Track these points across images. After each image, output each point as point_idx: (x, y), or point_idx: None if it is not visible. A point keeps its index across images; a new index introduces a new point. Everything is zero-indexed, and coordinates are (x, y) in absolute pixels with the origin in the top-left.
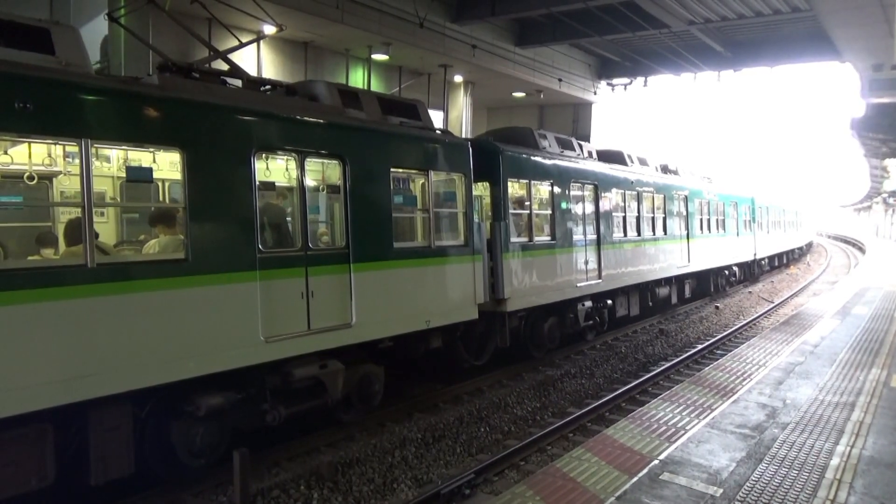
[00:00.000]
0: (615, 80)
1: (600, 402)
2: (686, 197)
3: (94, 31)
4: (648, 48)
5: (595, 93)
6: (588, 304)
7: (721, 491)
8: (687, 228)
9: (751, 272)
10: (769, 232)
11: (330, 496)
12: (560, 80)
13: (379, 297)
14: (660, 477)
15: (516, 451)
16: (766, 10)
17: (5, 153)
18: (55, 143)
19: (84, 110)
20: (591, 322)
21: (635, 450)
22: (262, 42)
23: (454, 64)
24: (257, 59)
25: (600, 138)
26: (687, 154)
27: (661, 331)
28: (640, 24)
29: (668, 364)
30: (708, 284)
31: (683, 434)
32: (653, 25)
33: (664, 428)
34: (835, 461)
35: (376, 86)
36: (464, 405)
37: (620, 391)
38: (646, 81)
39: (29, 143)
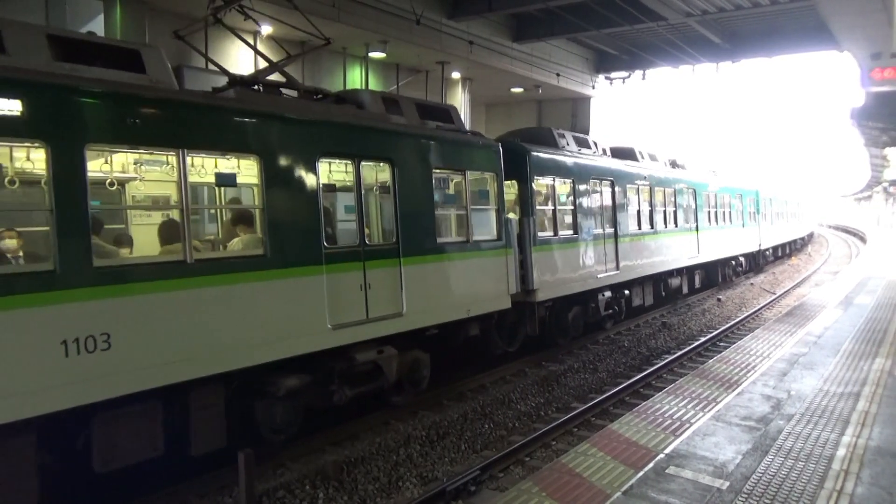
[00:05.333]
0: (613, 74)
1: (604, 396)
2: (695, 190)
3: None
4: (646, 41)
5: (593, 87)
6: (608, 294)
7: (727, 484)
8: (696, 221)
9: (756, 262)
10: (773, 223)
11: (335, 495)
12: (558, 74)
13: (425, 288)
14: (666, 471)
15: (521, 447)
16: (764, 1)
17: (136, 164)
18: (160, 153)
19: (180, 123)
20: (610, 311)
21: (640, 444)
22: (258, 42)
23: (451, 60)
24: (254, 58)
25: (599, 132)
26: (687, 146)
27: (664, 324)
28: (638, 17)
29: (671, 357)
30: (716, 275)
31: (689, 427)
32: (650, 18)
33: (669, 421)
34: (841, 452)
35: (374, 84)
36: (467, 402)
37: (624, 385)
38: (644, 75)
39: (139, 153)
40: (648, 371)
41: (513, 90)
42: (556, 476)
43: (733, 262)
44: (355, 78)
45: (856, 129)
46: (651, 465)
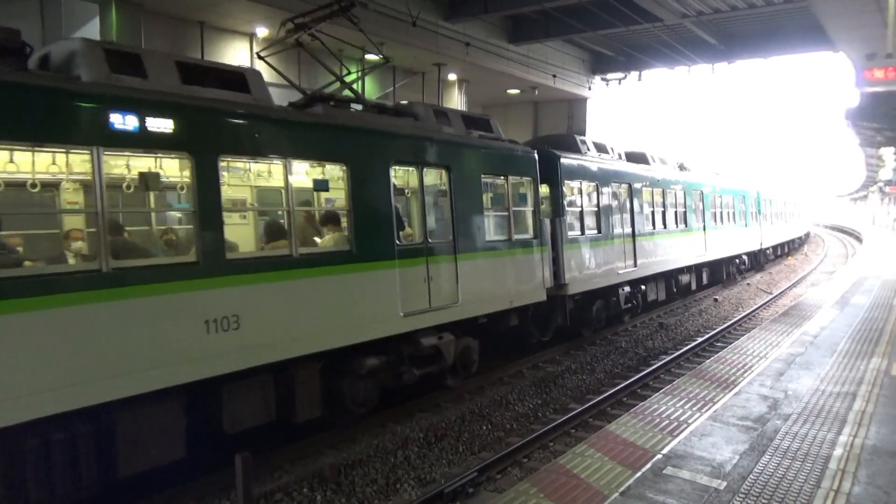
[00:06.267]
0: (609, 75)
1: (602, 397)
2: (702, 192)
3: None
4: (642, 42)
5: (589, 88)
6: (627, 289)
7: (725, 484)
8: (703, 221)
9: (757, 261)
10: (773, 223)
11: (333, 498)
12: (554, 76)
13: (476, 281)
14: (663, 471)
15: (519, 449)
16: (759, 2)
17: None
18: (271, 163)
19: (286, 137)
20: (629, 305)
21: (638, 444)
22: (255, 44)
23: (448, 62)
24: (250, 61)
25: (596, 134)
26: (684, 147)
27: (661, 324)
28: (634, 19)
29: (668, 358)
30: (721, 272)
31: (686, 428)
32: (646, 19)
33: (666, 422)
34: (838, 451)
35: (370, 86)
36: (465, 404)
37: (621, 386)
38: (640, 76)
39: (259, 163)
40: (646, 372)
41: (509, 92)
42: (553, 477)
43: (737, 261)
44: (351, 79)
45: (851, 129)
46: (648, 465)
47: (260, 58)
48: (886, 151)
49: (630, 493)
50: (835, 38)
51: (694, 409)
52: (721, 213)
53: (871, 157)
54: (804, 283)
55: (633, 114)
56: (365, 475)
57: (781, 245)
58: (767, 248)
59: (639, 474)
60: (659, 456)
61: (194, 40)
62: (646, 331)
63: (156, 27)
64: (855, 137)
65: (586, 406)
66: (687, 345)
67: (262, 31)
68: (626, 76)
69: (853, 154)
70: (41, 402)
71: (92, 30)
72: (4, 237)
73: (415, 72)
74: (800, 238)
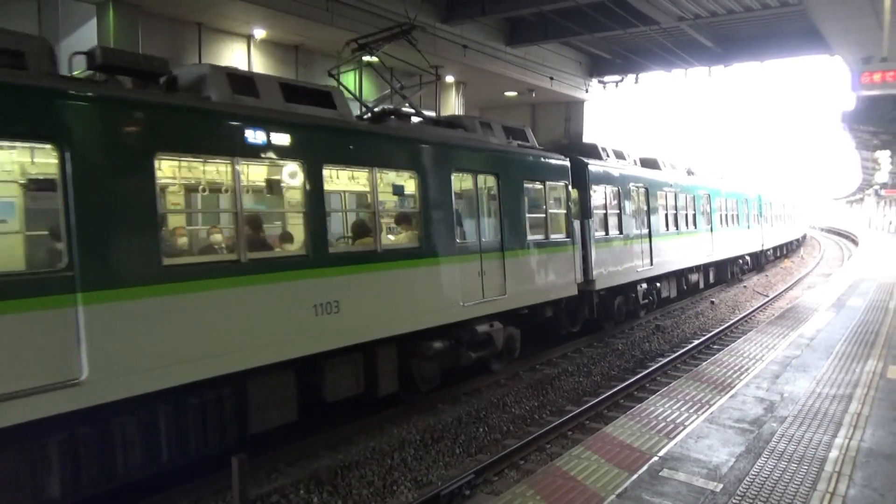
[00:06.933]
0: (606, 78)
1: (598, 399)
2: (709, 195)
3: (82, 39)
4: (639, 45)
5: (587, 91)
6: (644, 286)
7: (721, 486)
8: (711, 223)
9: (759, 261)
10: (773, 225)
11: (329, 500)
12: (551, 78)
13: (520, 276)
14: (660, 473)
15: (515, 451)
16: (756, 6)
17: (352, 178)
18: (360, 171)
19: (372, 148)
20: (646, 301)
21: (635, 447)
22: (252, 45)
23: (445, 64)
24: (248, 62)
25: (593, 136)
26: (681, 149)
27: (658, 327)
28: (631, 21)
29: (665, 360)
30: (726, 272)
31: (682, 430)
32: (643, 22)
33: (663, 424)
34: (833, 454)
35: (367, 88)
36: (462, 406)
37: (618, 388)
38: (637, 78)
39: (351, 170)
40: (642, 374)
41: (506, 94)
42: (550, 479)
43: (740, 261)
44: (349, 82)
45: (847, 132)
46: (645, 467)
47: (331, 75)
48: (882, 154)
49: (626, 496)
50: (831, 42)
51: (690, 411)
52: (726, 215)
53: (866, 160)
54: (800, 286)
55: (630, 116)
56: (361, 477)
57: (780, 246)
58: (768, 249)
59: (635, 476)
60: (655, 458)
61: (192, 42)
62: (642, 333)
63: (153, 28)
64: (851, 140)
65: (583, 408)
66: (683, 347)
67: (259, 33)
68: (622, 79)
69: (849, 157)
70: (200, 368)
71: (89, 31)
72: (171, 232)
73: (412, 74)
74: (797, 240)
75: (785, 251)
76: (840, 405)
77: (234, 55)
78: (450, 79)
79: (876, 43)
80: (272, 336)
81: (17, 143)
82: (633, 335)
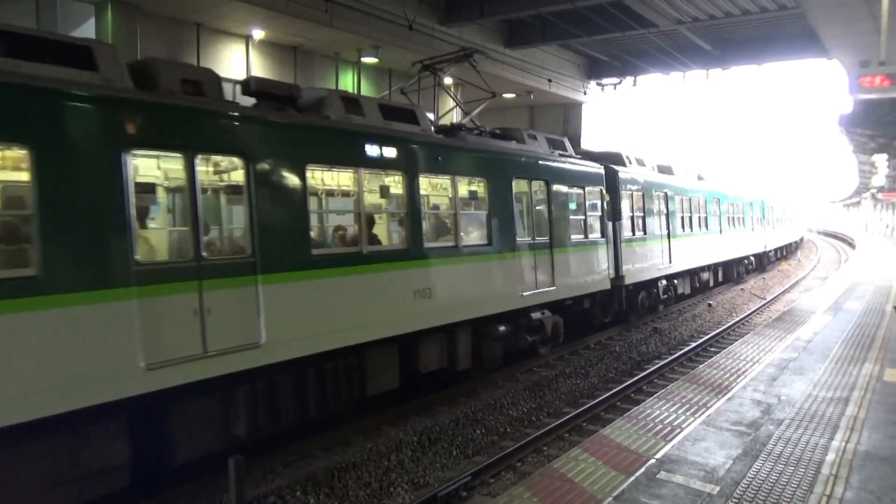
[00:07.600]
0: (604, 80)
1: (596, 401)
2: (718, 199)
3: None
4: (637, 47)
5: (585, 93)
6: (664, 282)
7: (718, 489)
8: (720, 225)
9: (761, 262)
10: (774, 227)
11: (326, 501)
12: (550, 80)
13: (565, 271)
14: (657, 476)
15: (513, 453)
16: (754, 9)
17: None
18: (443, 178)
19: (453, 159)
20: (666, 296)
21: (632, 449)
22: (251, 46)
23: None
24: (246, 63)
25: (591, 139)
26: (678, 151)
27: (655, 329)
28: (629, 24)
29: (662, 362)
30: (732, 271)
31: (679, 432)
32: (641, 25)
33: (660, 426)
34: (830, 456)
35: (366, 89)
36: (459, 407)
37: (615, 390)
38: (635, 81)
39: (437, 178)
40: (640, 376)
41: (505, 96)
42: (547, 481)
43: (745, 262)
44: (347, 83)
45: (844, 135)
46: (642, 470)
47: (402, 93)
48: (879, 158)
49: (624, 498)
50: (828, 46)
51: (688, 413)
52: (733, 218)
53: (863, 163)
54: (797, 289)
55: (629, 118)
56: (358, 479)
57: (781, 248)
58: (770, 251)
59: (632, 479)
60: (652, 460)
61: (190, 42)
62: (639, 335)
63: (152, 28)
64: (848, 144)
65: (580, 410)
66: (681, 349)
67: (258, 34)
68: (621, 81)
69: (846, 160)
70: (337, 338)
71: (88, 31)
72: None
73: (410, 75)
74: (795, 242)
75: (784, 252)
76: (837, 408)
77: (233, 56)
78: (448, 80)
79: (873, 47)
80: (385, 315)
81: (222, 158)
82: (630, 337)
